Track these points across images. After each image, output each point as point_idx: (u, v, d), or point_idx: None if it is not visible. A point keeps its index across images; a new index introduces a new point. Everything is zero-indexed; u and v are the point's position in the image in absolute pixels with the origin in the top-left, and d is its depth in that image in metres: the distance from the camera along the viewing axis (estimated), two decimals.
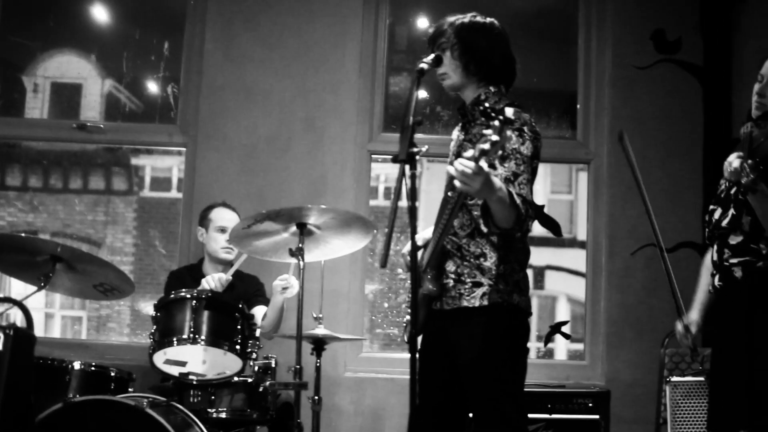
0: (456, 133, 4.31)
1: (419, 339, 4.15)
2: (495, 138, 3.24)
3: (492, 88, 4.09)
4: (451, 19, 4.15)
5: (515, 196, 3.65)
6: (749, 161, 3.78)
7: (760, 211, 3.93)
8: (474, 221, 3.94)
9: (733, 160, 3.84)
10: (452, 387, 4.04)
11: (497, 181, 3.56)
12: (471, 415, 4.08)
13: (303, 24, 6.84)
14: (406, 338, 4.22)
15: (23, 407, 4.35)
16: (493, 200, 3.59)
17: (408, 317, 4.09)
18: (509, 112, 3.25)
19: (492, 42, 4.11)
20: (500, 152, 3.68)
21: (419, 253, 4.16)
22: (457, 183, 3.45)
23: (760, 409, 3.94)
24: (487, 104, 3.41)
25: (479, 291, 3.91)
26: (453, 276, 3.98)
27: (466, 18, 4.15)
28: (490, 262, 3.93)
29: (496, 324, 3.92)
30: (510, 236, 3.90)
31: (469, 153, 3.35)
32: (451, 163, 3.96)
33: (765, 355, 3.95)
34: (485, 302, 3.90)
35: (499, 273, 3.92)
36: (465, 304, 3.93)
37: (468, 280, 3.94)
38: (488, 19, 4.18)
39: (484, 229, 3.85)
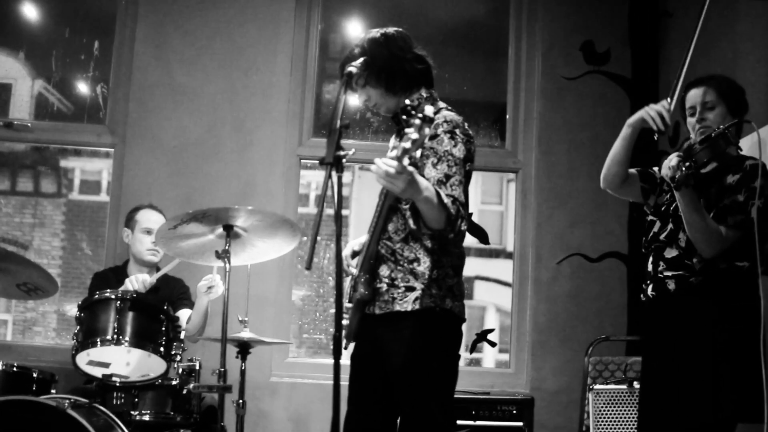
0: (392, 142, 4.31)
1: (351, 345, 4.16)
2: (415, 136, 3.25)
3: (423, 93, 4.10)
4: (350, 54, 4.12)
5: (444, 197, 3.67)
6: (686, 163, 3.87)
7: (682, 207, 4.02)
8: (408, 226, 3.94)
9: (673, 158, 3.92)
10: (383, 392, 4.02)
11: (423, 181, 3.58)
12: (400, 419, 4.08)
13: (234, 27, 6.82)
14: (345, 343, 4.21)
15: None
16: (419, 200, 3.61)
17: (345, 320, 4.10)
18: (428, 110, 3.26)
19: (397, 50, 4.11)
20: (428, 156, 3.70)
21: (356, 259, 4.18)
22: (381, 182, 3.47)
23: (684, 416, 4.01)
24: (407, 103, 3.42)
25: (412, 295, 3.90)
26: (386, 280, 3.96)
27: (363, 43, 4.14)
28: (423, 266, 3.92)
29: (428, 328, 3.91)
30: (444, 241, 3.91)
31: (392, 153, 3.36)
32: None
33: (691, 366, 4.02)
34: (417, 306, 3.89)
35: (433, 278, 3.92)
36: (397, 308, 3.91)
37: (401, 284, 3.93)
38: (381, 31, 4.17)
39: (414, 226, 3.84)
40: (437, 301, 3.91)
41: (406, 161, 3.31)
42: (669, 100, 4.21)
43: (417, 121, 3.25)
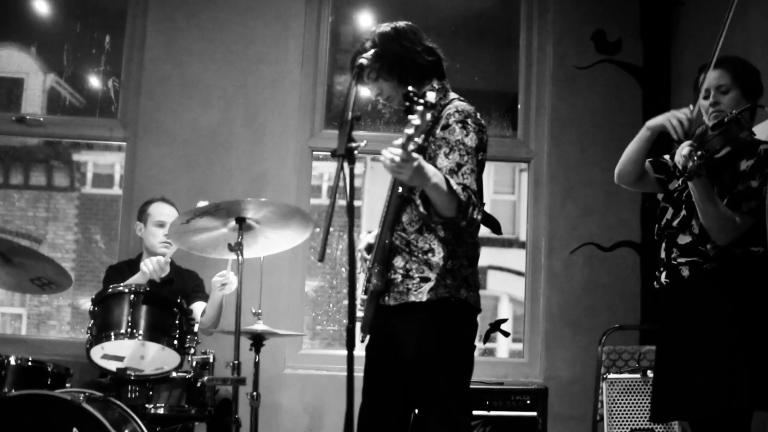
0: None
1: (367, 336, 4.17)
2: (417, 121, 3.25)
3: (435, 85, 4.10)
4: (361, 48, 4.12)
5: (454, 184, 3.67)
6: (698, 152, 3.85)
7: (695, 196, 4.01)
8: (419, 215, 3.95)
9: (685, 146, 3.91)
10: (399, 383, 4.02)
11: (431, 168, 3.58)
12: (416, 411, 4.08)
13: (245, 20, 6.83)
14: (361, 335, 4.22)
15: None
16: (428, 187, 3.61)
17: (360, 312, 4.11)
18: (431, 96, 3.26)
19: (408, 43, 4.11)
20: (440, 146, 3.70)
21: (372, 252, 4.17)
22: (389, 171, 3.47)
23: (699, 403, 4.00)
24: (409, 89, 3.42)
25: (426, 286, 3.90)
26: (401, 271, 3.96)
27: (380, 31, 4.14)
28: (438, 257, 3.92)
29: (443, 319, 3.91)
30: (459, 231, 3.91)
31: (398, 141, 3.36)
32: None
33: (706, 353, 4.01)
34: (432, 297, 3.89)
35: (447, 268, 3.92)
36: (412, 299, 3.91)
37: (416, 275, 3.93)
38: (391, 25, 4.17)
39: (425, 212, 3.84)
40: (452, 292, 3.91)
41: (411, 147, 3.31)
42: (691, 107, 4.18)
43: (420, 108, 3.25)
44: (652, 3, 6.94)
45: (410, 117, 3.28)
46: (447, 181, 3.65)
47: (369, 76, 4.07)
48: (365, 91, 4.36)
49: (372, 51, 3.92)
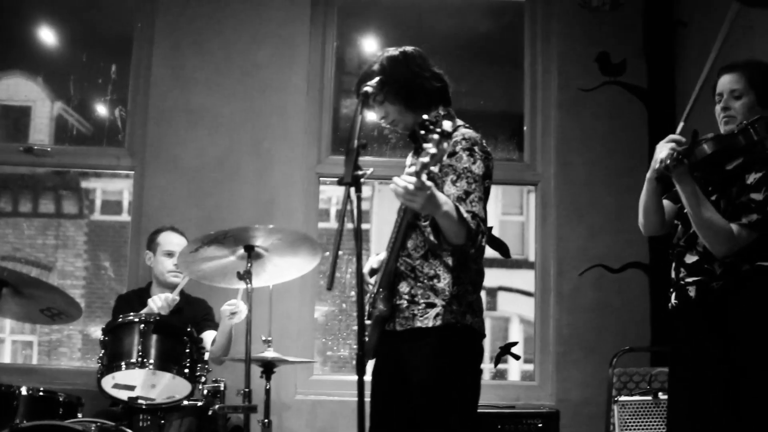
0: (409, 159, 4.32)
1: (371, 361, 4.18)
2: (433, 150, 3.26)
3: (441, 111, 4.12)
4: (369, 73, 4.11)
5: (464, 212, 3.68)
6: (678, 149, 3.87)
7: (683, 199, 4.00)
8: (427, 242, 3.95)
9: (665, 149, 3.93)
10: (404, 408, 4.03)
11: (442, 197, 3.59)
12: None
13: (250, 47, 6.85)
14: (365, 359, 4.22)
15: None
16: (439, 215, 3.62)
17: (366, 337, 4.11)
18: (446, 125, 3.27)
19: (416, 68, 4.13)
20: (447, 174, 3.71)
21: (375, 277, 4.19)
22: (400, 199, 3.48)
23: (711, 426, 3.99)
24: (425, 118, 3.43)
25: (432, 312, 3.90)
26: (406, 297, 3.97)
27: (382, 61, 4.15)
28: (443, 283, 3.93)
29: (449, 344, 3.92)
30: (464, 257, 3.92)
31: (411, 168, 3.37)
32: None
33: (715, 376, 4.00)
34: (438, 323, 3.89)
35: (453, 294, 3.92)
36: (418, 324, 3.92)
37: (422, 300, 3.94)
38: (399, 49, 4.19)
39: (435, 241, 3.85)
40: (458, 318, 3.92)
41: (424, 177, 3.32)
42: (677, 133, 4.16)
43: (435, 136, 3.26)
44: (656, 24, 6.95)
45: (426, 146, 3.28)
46: (457, 210, 3.66)
47: (375, 98, 4.06)
48: (372, 117, 4.37)
49: (377, 78, 3.91)
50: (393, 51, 4.18)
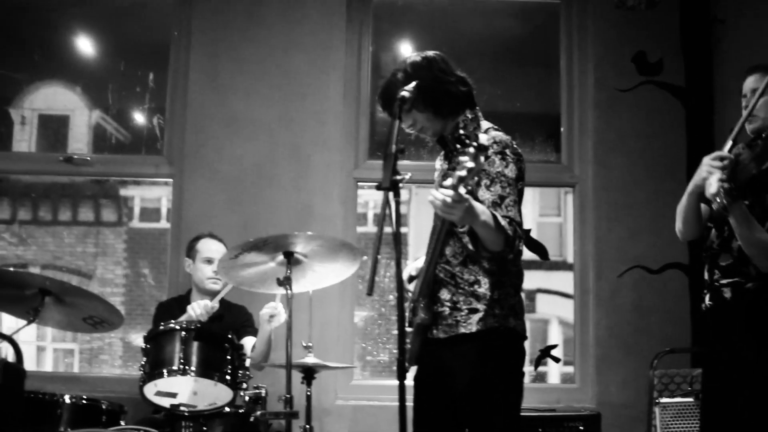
0: (439, 163, 4.33)
1: (413, 367, 4.18)
2: (471, 164, 3.25)
3: (468, 114, 4.11)
4: (393, 81, 4.10)
5: (500, 219, 3.68)
6: (725, 185, 3.82)
7: (737, 232, 3.97)
8: (466, 249, 3.95)
9: (713, 182, 3.87)
10: (448, 413, 4.03)
11: (479, 207, 3.59)
12: None
13: (287, 53, 6.87)
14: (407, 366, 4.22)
15: None
16: (477, 225, 3.62)
17: (407, 344, 4.12)
18: (483, 138, 3.27)
19: (441, 73, 4.09)
20: (481, 178, 3.71)
21: (413, 283, 4.19)
22: (439, 212, 3.48)
23: (743, 427, 3.97)
24: (462, 131, 3.43)
25: (475, 317, 3.91)
26: (448, 304, 3.98)
27: (406, 68, 4.11)
28: (484, 288, 3.93)
29: (493, 348, 3.92)
30: (503, 260, 3.91)
31: (448, 182, 3.36)
32: None
33: (749, 377, 3.98)
34: (482, 327, 3.90)
35: (494, 298, 3.93)
36: (462, 330, 3.92)
37: (464, 306, 3.94)
38: (422, 55, 4.15)
39: (473, 249, 3.85)
40: (501, 321, 3.92)
41: (462, 190, 3.32)
42: (729, 144, 4.11)
43: (472, 150, 3.26)
44: (692, 22, 6.91)
45: (462, 159, 3.28)
46: (494, 218, 3.66)
47: (402, 107, 3.95)
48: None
49: (414, 83, 3.90)
50: (415, 57, 4.15)
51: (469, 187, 3.36)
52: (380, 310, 7.41)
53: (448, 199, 3.36)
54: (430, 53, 4.16)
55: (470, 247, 3.84)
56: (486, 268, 3.94)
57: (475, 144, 3.26)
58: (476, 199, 3.69)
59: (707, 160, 4.03)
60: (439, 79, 4.05)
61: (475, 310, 3.91)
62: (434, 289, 4.01)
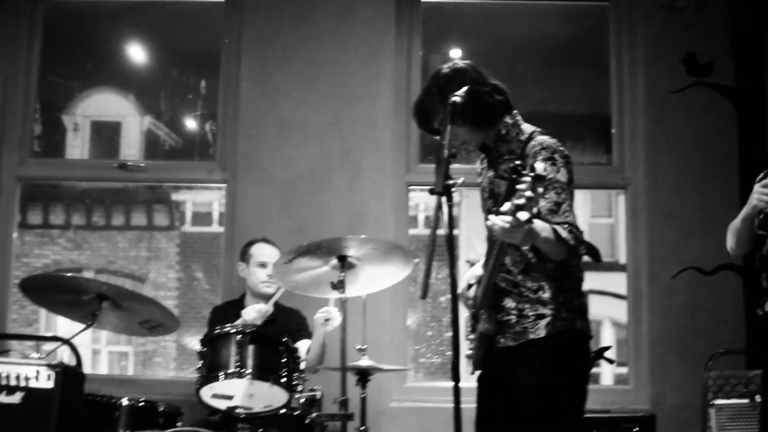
0: (479, 167, 4.33)
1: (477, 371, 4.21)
2: (529, 194, 3.22)
3: (508, 120, 4.10)
4: (426, 96, 4.10)
5: (561, 231, 3.65)
6: None
7: None
8: (525, 257, 3.94)
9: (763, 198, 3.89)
10: (512, 414, 4.02)
11: (539, 224, 3.53)
12: None
13: (337, 59, 6.91)
14: (470, 371, 4.25)
15: None
16: (539, 243, 3.61)
17: (469, 351, 4.14)
18: (539, 167, 3.24)
19: (473, 84, 3.96)
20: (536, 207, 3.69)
21: (472, 290, 4.20)
22: (499, 236, 3.48)
23: None
24: (517, 162, 3.40)
25: (543, 322, 3.90)
26: (514, 312, 3.96)
27: (439, 81, 4.06)
28: (549, 293, 3.92)
29: (562, 351, 3.91)
30: (564, 264, 3.90)
31: (506, 207, 3.33)
32: (485, 201, 4.01)
33: None
34: (550, 331, 3.90)
35: (560, 302, 3.92)
36: (531, 336, 3.91)
37: (530, 313, 3.93)
38: (452, 67, 4.09)
39: (535, 260, 3.86)
40: (568, 324, 3.91)
41: (521, 214, 3.30)
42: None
43: (528, 179, 3.22)
44: (742, 23, 6.87)
45: (519, 188, 3.25)
46: (555, 231, 3.63)
47: (441, 123, 3.91)
48: None
49: (465, 88, 3.89)
50: (446, 70, 4.09)
51: (529, 214, 3.33)
52: (432, 312, 7.43)
53: (507, 225, 3.33)
54: (461, 64, 4.12)
55: (533, 261, 3.85)
56: (548, 274, 3.92)
57: (531, 174, 3.24)
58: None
59: (758, 188, 4.05)
60: (474, 91, 3.92)
61: (542, 316, 3.91)
62: (495, 298, 4.02)
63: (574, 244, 3.70)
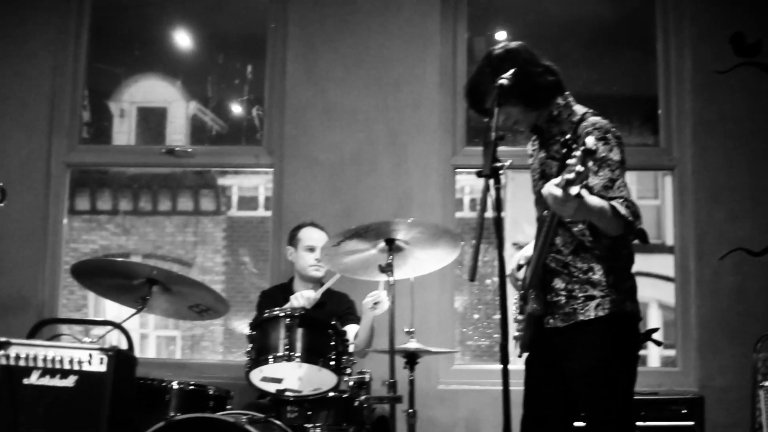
0: (531, 148, 4.34)
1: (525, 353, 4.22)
2: (580, 168, 3.24)
3: (560, 101, 4.12)
4: (480, 77, 4.12)
5: (617, 206, 3.67)
6: None
7: None
8: (576, 238, 3.97)
9: None
10: (561, 395, 4.07)
11: (593, 199, 3.56)
12: (577, 423, 4.11)
13: (382, 43, 6.92)
14: (518, 353, 4.26)
15: (127, 426, 4.49)
16: (594, 218, 3.64)
17: (517, 333, 4.16)
18: (590, 141, 3.25)
19: (527, 65, 4.04)
20: (586, 181, 3.69)
21: (521, 271, 4.22)
22: (551, 206, 3.49)
23: None
24: (567, 137, 3.42)
25: (592, 303, 3.93)
26: (563, 293, 4.00)
27: (492, 62, 4.09)
28: (599, 274, 3.95)
29: (611, 333, 3.94)
30: (614, 245, 3.92)
31: (557, 180, 3.36)
32: (536, 182, 4.02)
33: None
34: (600, 313, 3.93)
35: (610, 283, 3.95)
36: (581, 318, 3.95)
37: (580, 294, 3.96)
38: (505, 48, 4.13)
39: (591, 240, 3.88)
40: (618, 306, 3.94)
41: (574, 188, 3.32)
42: None
43: (579, 153, 3.24)
44: None
45: (570, 162, 3.27)
46: (611, 206, 3.65)
47: (493, 103, 3.87)
48: None
49: (512, 70, 3.90)
50: (499, 50, 4.12)
51: (579, 188, 3.34)
52: (479, 295, 7.44)
53: (559, 194, 3.35)
54: (513, 45, 4.15)
55: (589, 239, 3.86)
56: (598, 255, 3.95)
57: (582, 148, 3.25)
58: (586, 186, 3.64)
59: None
60: (526, 72, 4.00)
61: (591, 297, 3.93)
62: (545, 279, 4.03)
63: (632, 219, 3.70)
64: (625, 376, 3.99)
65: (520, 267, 4.24)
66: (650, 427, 5.74)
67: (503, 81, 3.76)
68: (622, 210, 3.68)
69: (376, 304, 5.42)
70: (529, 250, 4.16)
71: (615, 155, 3.87)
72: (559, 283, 4.01)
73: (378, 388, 4.99)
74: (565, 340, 4.00)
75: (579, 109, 4.11)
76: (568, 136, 3.42)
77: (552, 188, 3.38)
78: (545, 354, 4.09)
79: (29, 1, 7.17)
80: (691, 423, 5.74)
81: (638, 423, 5.73)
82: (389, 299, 4.93)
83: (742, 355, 6.21)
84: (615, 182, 3.81)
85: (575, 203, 3.38)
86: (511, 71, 3.85)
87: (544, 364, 4.10)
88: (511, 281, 4.24)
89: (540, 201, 4.01)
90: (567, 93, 4.15)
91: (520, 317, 4.17)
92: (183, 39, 7.84)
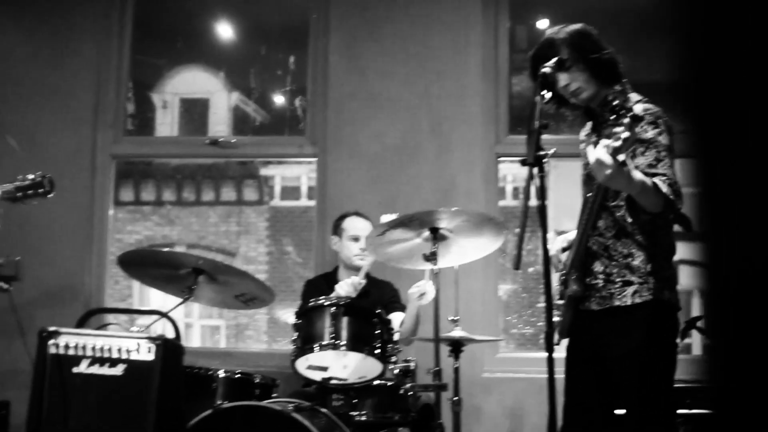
0: (583, 135, 4.35)
1: (564, 340, 4.23)
2: (626, 134, 3.28)
3: (617, 87, 4.13)
4: (553, 36, 4.14)
5: (659, 183, 3.68)
6: None
7: None
8: (618, 223, 3.99)
9: None
10: (599, 384, 4.09)
11: (637, 174, 3.59)
12: (618, 411, 4.12)
13: (424, 32, 6.92)
14: (557, 339, 4.27)
15: (175, 414, 4.54)
16: (635, 191, 3.65)
17: (556, 317, 4.17)
18: (638, 108, 3.29)
19: (599, 44, 4.13)
20: (635, 148, 3.71)
21: (564, 254, 4.24)
22: (594, 171, 3.53)
23: None
24: (615, 102, 3.46)
25: (630, 289, 3.95)
26: (602, 276, 4.02)
27: (569, 29, 4.14)
28: (638, 260, 3.96)
29: (648, 321, 3.95)
30: (656, 233, 3.94)
31: (604, 142, 3.40)
32: (585, 166, 4.03)
33: None
34: (637, 300, 3.94)
35: (648, 271, 3.95)
36: (617, 303, 3.97)
37: (618, 279, 3.98)
38: (575, 27, 4.17)
39: (630, 219, 3.89)
40: (655, 294, 3.94)
41: (621, 157, 3.35)
42: None
43: (627, 120, 3.28)
44: None
45: (617, 129, 3.31)
46: (654, 183, 3.67)
47: (563, 65, 4.03)
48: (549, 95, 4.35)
49: (555, 59, 3.93)
50: (572, 26, 4.17)
51: (625, 155, 3.37)
52: (523, 283, 7.44)
53: (605, 161, 3.40)
54: (577, 26, 4.19)
55: (627, 217, 3.87)
56: (639, 242, 3.96)
57: (630, 114, 3.28)
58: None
59: None
60: (597, 46, 4.10)
61: (629, 283, 3.95)
62: (586, 261, 4.05)
63: (673, 197, 3.71)
64: (662, 363, 3.99)
65: (564, 250, 4.26)
66: (695, 415, 5.72)
67: (546, 69, 3.81)
68: (664, 188, 3.69)
69: (421, 294, 5.44)
70: (572, 234, 4.18)
71: (663, 139, 3.88)
72: (598, 266, 4.03)
73: (423, 376, 5.00)
74: (601, 324, 4.02)
75: (634, 96, 4.12)
76: (616, 102, 3.44)
77: (598, 152, 3.41)
78: (585, 341, 4.11)
79: None
80: None
81: (682, 411, 5.72)
82: (434, 289, 4.95)
83: None
84: (660, 162, 3.82)
85: (619, 169, 3.42)
86: (554, 60, 3.93)
87: (583, 350, 4.12)
88: (554, 263, 4.25)
89: (587, 182, 4.04)
90: (625, 80, 4.17)
91: (560, 302, 4.18)
92: (225, 30, 7.88)
